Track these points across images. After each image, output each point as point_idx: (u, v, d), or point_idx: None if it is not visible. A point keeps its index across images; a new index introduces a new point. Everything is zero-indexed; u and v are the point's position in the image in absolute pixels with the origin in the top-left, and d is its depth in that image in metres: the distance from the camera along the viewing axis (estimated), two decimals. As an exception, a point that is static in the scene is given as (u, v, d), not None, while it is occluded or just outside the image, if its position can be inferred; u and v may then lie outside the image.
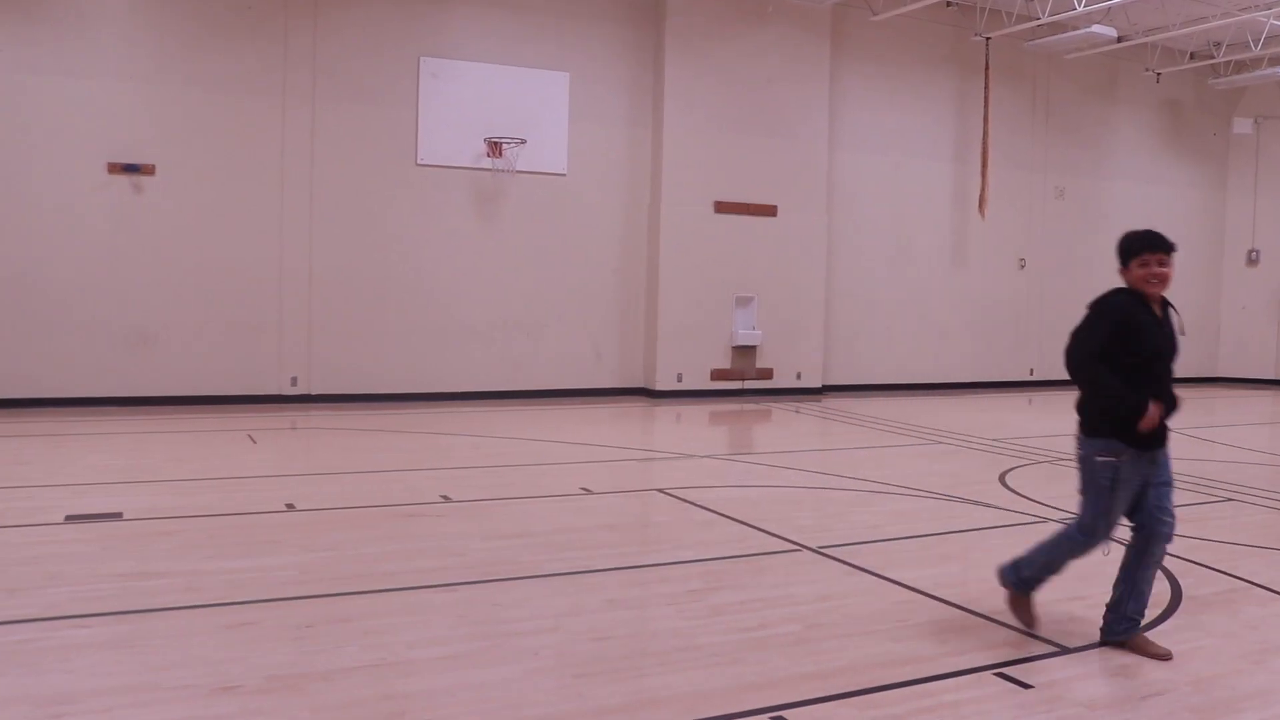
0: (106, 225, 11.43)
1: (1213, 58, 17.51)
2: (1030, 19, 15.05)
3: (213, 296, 11.88)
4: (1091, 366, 4.05)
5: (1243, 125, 18.56)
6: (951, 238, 16.34)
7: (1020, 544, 6.01)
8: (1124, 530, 4.29)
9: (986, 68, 15.87)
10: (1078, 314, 15.29)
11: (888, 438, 10.77)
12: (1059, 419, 13.02)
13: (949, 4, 15.58)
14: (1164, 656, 4.04)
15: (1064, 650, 4.13)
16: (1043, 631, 4.34)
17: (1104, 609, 4.24)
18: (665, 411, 12.82)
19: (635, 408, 13.06)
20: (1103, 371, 4.03)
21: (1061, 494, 7.57)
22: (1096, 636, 4.27)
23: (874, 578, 5.17)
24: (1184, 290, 18.78)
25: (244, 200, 11.99)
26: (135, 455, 8.60)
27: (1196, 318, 18.97)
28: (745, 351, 14.47)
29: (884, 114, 15.59)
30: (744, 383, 14.45)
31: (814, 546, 5.78)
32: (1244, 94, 18.77)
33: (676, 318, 13.88)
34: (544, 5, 13.30)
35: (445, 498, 6.97)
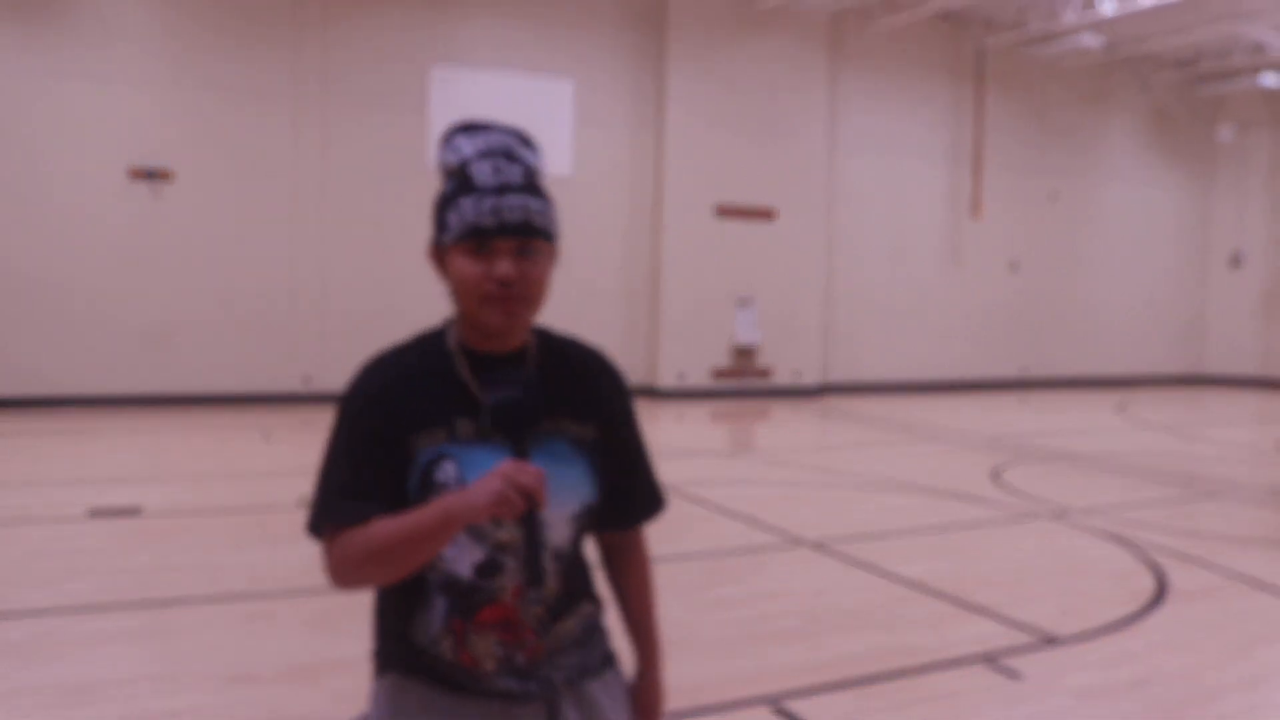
0: (127, 229, 11.55)
1: (1197, 66, 17.68)
2: (1023, 28, 15.19)
3: (229, 298, 12.00)
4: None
5: (1226, 132, 18.72)
6: (948, 240, 16.46)
7: (1013, 538, 6.16)
8: None
9: (981, 76, 16.00)
10: (1070, 315, 15.63)
11: (884, 436, 10.87)
12: (1051, 417, 13.15)
13: (944, 15, 15.71)
14: None
15: (1055, 642, 4.22)
16: (1035, 623, 4.44)
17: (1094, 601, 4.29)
18: (667, 410, 12.92)
19: (638, 406, 13.14)
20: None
21: (1053, 490, 7.68)
22: (1086, 628, 4.38)
23: (870, 572, 5.27)
24: (1172, 291, 18.97)
25: (259, 205, 12.11)
26: (154, 452, 8.69)
27: (1183, 318, 19.13)
28: (746, 351, 14.59)
29: (882, 120, 15.70)
30: (745, 382, 14.57)
31: (812, 542, 5.88)
32: (1227, 101, 18.93)
33: (678, 318, 13.99)
34: (550, 14, 13.40)
35: (451, 495, 7.07)
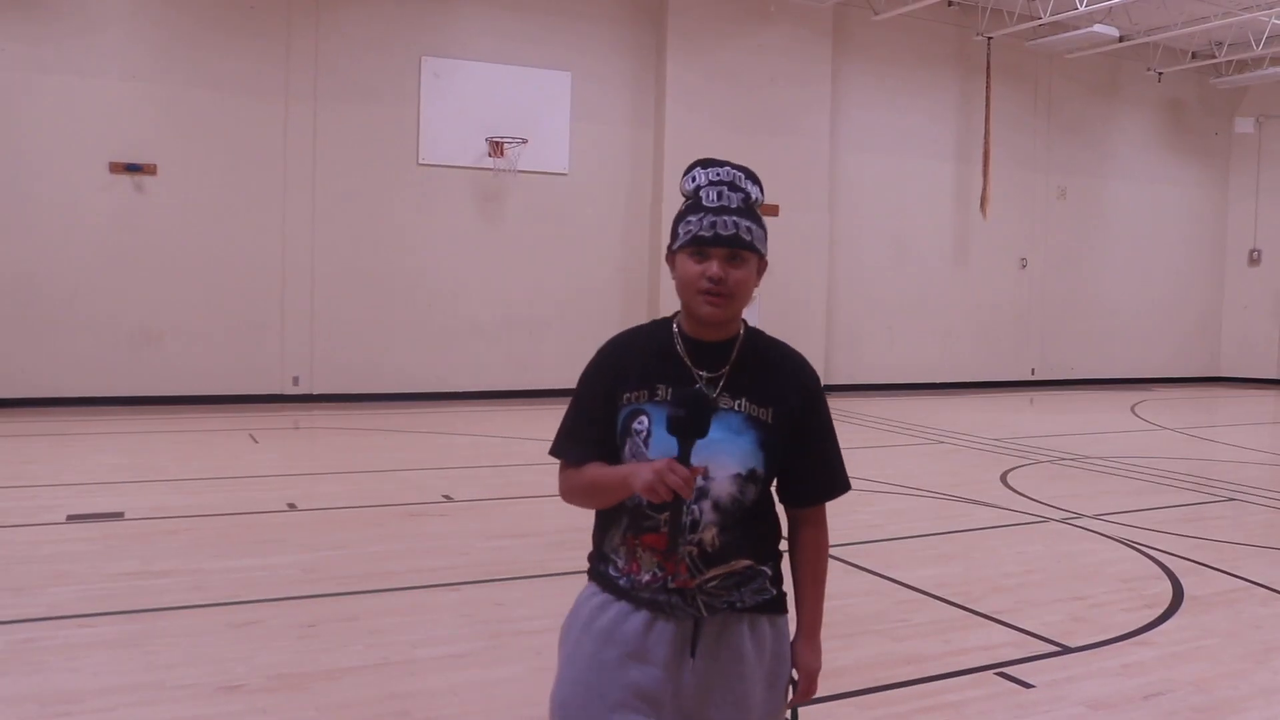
0: (109, 225, 11.44)
1: (1214, 57, 17.51)
2: (1032, 18, 15.04)
3: (215, 296, 11.90)
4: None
5: (1244, 124, 18.54)
6: (953, 237, 16.34)
7: (1022, 543, 6.04)
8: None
9: (988, 67, 15.87)
10: (1080, 314, 15.39)
11: (889, 437, 10.78)
12: (1060, 418, 13.03)
13: (950, 3, 15.58)
14: None
15: (1065, 650, 4.14)
16: (1045, 631, 4.35)
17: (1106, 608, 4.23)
18: (667, 411, 12.81)
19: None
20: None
21: (1063, 493, 7.58)
22: (1098, 636, 4.27)
23: (876, 577, 5.18)
24: (1186, 290, 18.80)
25: (246, 199, 12.00)
26: (139, 455, 8.61)
27: (1197, 317, 18.97)
28: (747, 351, 14.47)
29: (886, 113, 15.59)
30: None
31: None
32: (1246, 93, 18.76)
33: (678, 317, 13.87)
34: (546, 5, 13.30)
35: (447, 497, 6.98)
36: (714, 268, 1.80)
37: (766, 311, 14.57)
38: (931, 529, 6.39)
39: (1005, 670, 3.88)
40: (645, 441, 1.82)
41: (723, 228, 1.80)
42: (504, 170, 12.99)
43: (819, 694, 3.59)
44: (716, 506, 1.81)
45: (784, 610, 1.92)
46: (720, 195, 1.84)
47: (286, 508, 6.55)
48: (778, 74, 14.39)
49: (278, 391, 12.22)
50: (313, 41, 12.19)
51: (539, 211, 13.39)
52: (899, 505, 7.08)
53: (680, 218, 1.86)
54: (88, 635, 4.03)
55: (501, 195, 13.19)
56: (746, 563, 1.85)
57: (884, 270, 15.73)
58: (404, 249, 12.74)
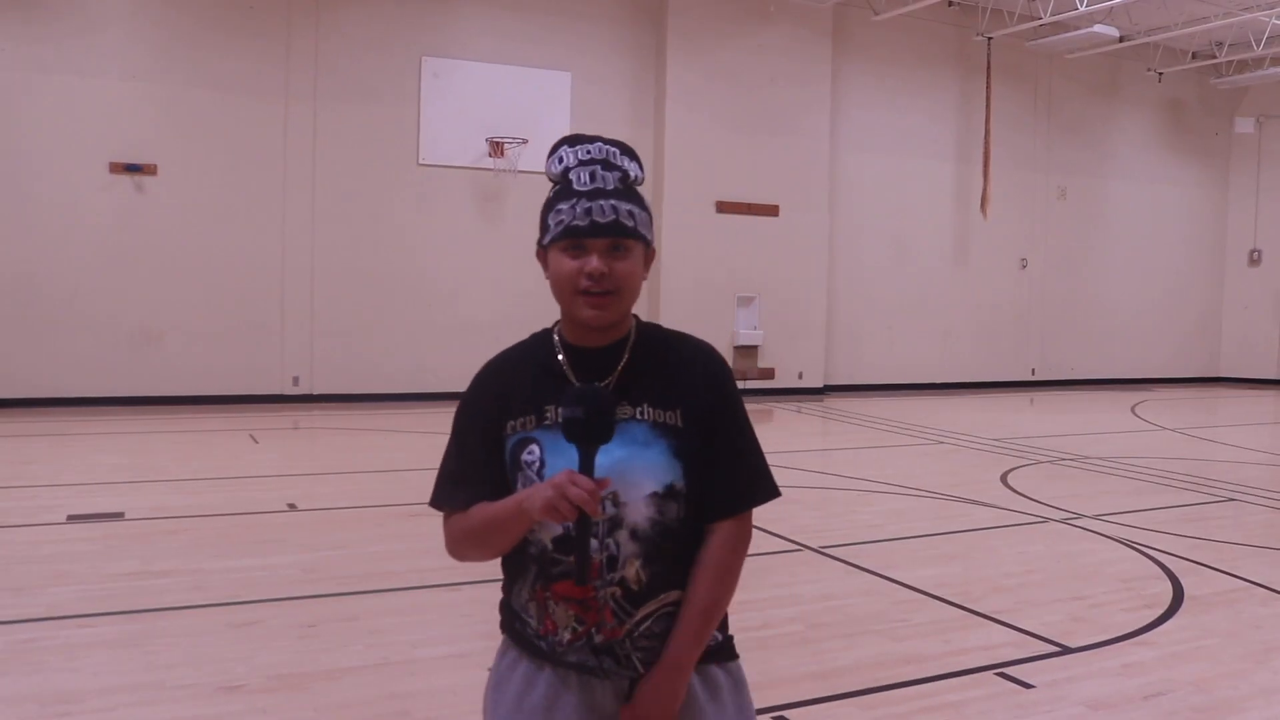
0: (109, 225, 11.44)
1: (1215, 57, 17.50)
2: (1032, 19, 15.04)
3: (215, 296, 11.89)
4: None
5: (1245, 125, 18.53)
6: (953, 237, 16.34)
7: (1022, 543, 6.04)
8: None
9: (988, 67, 15.87)
10: (1080, 314, 15.42)
11: (889, 437, 10.77)
12: (1060, 418, 13.02)
13: (951, 4, 15.57)
14: None
15: (1065, 650, 4.13)
16: (1045, 631, 4.35)
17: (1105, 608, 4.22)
18: (667, 411, 12.80)
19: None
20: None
21: (1063, 493, 7.58)
22: (1098, 637, 4.27)
23: (875, 577, 5.17)
24: (1186, 290, 18.79)
25: (246, 200, 12.00)
26: (139, 455, 8.61)
27: (1198, 317, 18.97)
28: (747, 351, 14.47)
29: (886, 114, 15.59)
30: (745, 382, 14.45)
31: (816, 546, 5.78)
32: (1246, 93, 18.75)
33: (678, 317, 13.86)
34: (546, 5, 13.30)
35: (448, 497, 6.98)
36: (594, 262, 1.55)
37: (767, 311, 14.57)
38: (931, 529, 6.38)
39: (1005, 670, 3.88)
40: (539, 473, 1.55)
41: (600, 214, 1.54)
42: (504, 170, 12.99)
43: (819, 694, 3.62)
44: (635, 535, 1.53)
45: (735, 656, 1.69)
46: (594, 176, 1.56)
47: (286, 508, 6.55)
48: (778, 74, 14.39)
49: (278, 391, 12.21)
50: (313, 41, 12.19)
51: (539, 212, 13.38)
52: (899, 505, 7.08)
53: (549, 206, 1.60)
54: (88, 635, 4.03)
55: (501, 195, 13.19)
56: (679, 594, 1.58)
57: (884, 270, 15.72)
58: (404, 249, 12.74)
